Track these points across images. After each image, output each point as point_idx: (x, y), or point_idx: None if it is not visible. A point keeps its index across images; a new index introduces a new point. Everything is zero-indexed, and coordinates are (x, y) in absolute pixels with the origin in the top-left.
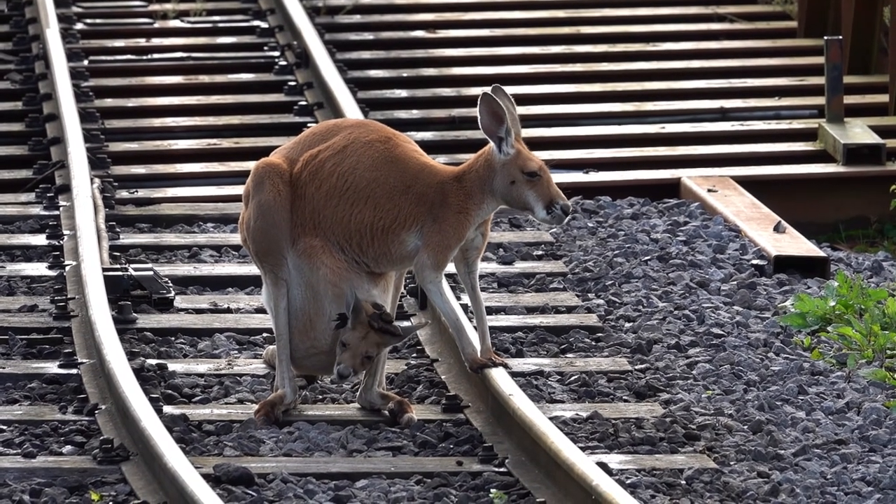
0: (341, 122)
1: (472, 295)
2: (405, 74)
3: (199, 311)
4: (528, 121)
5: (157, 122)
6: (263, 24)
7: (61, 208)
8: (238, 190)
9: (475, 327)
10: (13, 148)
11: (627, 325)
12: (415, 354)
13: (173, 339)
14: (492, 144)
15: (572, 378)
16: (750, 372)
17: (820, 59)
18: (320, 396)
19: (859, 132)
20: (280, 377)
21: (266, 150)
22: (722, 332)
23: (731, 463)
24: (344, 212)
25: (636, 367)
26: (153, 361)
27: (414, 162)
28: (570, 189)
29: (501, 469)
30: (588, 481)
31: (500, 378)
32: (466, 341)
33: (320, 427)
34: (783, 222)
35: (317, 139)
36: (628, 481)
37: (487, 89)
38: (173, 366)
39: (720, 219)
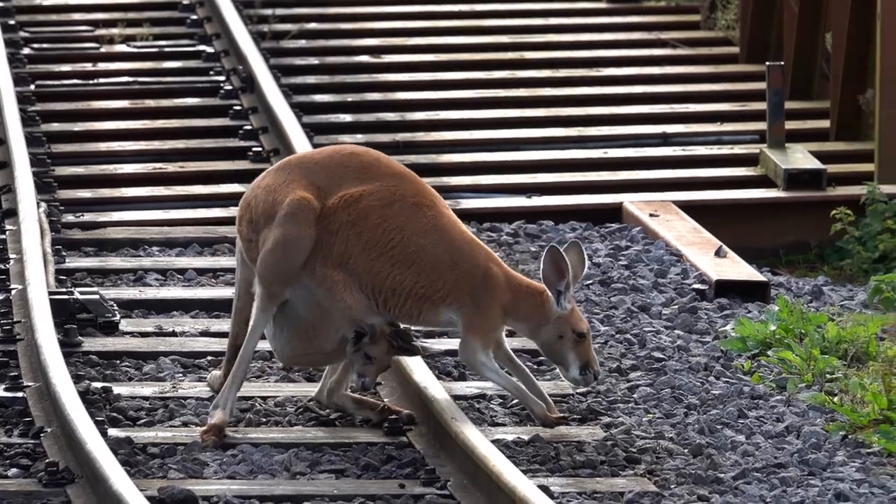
0: (375, 163)
1: (513, 366)
2: (350, 99)
3: (144, 335)
4: (472, 146)
5: (104, 146)
6: (209, 49)
7: (7, 232)
8: (183, 214)
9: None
10: None
11: None
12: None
13: (118, 362)
14: (549, 294)
15: (514, 402)
16: (690, 396)
17: (762, 85)
18: (264, 419)
19: (800, 157)
20: (225, 398)
21: (212, 175)
22: (663, 356)
23: (672, 486)
24: (382, 268)
25: (577, 391)
26: (98, 384)
27: (458, 235)
28: (513, 213)
29: (444, 492)
30: None
31: (442, 401)
32: (533, 403)
33: (264, 450)
34: (724, 247)
35: (349, 174)
36: None
37: (556, 244)
38: (118, 389)
39: (662, 243)
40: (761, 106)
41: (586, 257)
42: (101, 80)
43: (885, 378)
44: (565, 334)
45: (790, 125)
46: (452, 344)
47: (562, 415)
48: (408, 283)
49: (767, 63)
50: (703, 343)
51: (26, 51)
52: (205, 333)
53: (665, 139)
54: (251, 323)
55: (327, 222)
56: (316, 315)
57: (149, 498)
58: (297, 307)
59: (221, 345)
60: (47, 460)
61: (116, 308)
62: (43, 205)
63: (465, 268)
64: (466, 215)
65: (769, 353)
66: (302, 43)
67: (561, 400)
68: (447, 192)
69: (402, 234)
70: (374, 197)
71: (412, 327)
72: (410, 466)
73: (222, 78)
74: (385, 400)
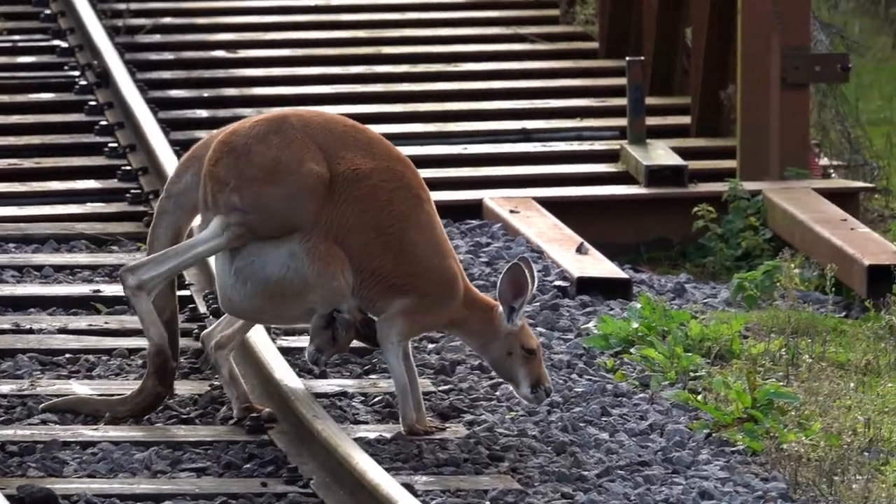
0: (378, 140)
1: (407, 364)
2: (206, 94)
3: (1, 332)
4: None
5: None
6: (63, 44)
7: None
8: (39, 210)
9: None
10: None
11: (431, 346)
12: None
13: None
14: (500, 309)
15: (376, 399)
16: (553, 393)
17: (622, 80)
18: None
19: (661, 154)
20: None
21: (68, 170)
22: None
23: (536, 484)
24: (374, 249)
25: (440, 389)
26: None
27: (443, 239)
28: None
29: (306, 490)
30: (393, 502)
31: (303, 399)
32: (409, 407)
33: (124, 448)
34: (585, 244)
35: (355, 146)
36: (433, 502)
37: (519, 261)
38: None
39: (522, 240)
40: (621, 102)
41: (536, 275)
42: None
43: (749, 376)
44: (515, 351)
45: (651, 121)
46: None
47: (429, 427)
48: (389, 270)
49: (627, 58)
50: (566, 340)
51: None
52: (63, 331)
53: (525, 135)
54: (209, 243)
55: (332, 192)
56: (293, 282)
57: (8, 496)
58: (271, 266)
59: (80, 342)
60: None
61: None
62: None
63: (440, 273)
64: None
65: (632, 350)
66: (157, 38)
67: (423, 397)
68: None
69: (403, 223)
70: (382, 178)
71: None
72: (273, 465)
73: (77, 73)
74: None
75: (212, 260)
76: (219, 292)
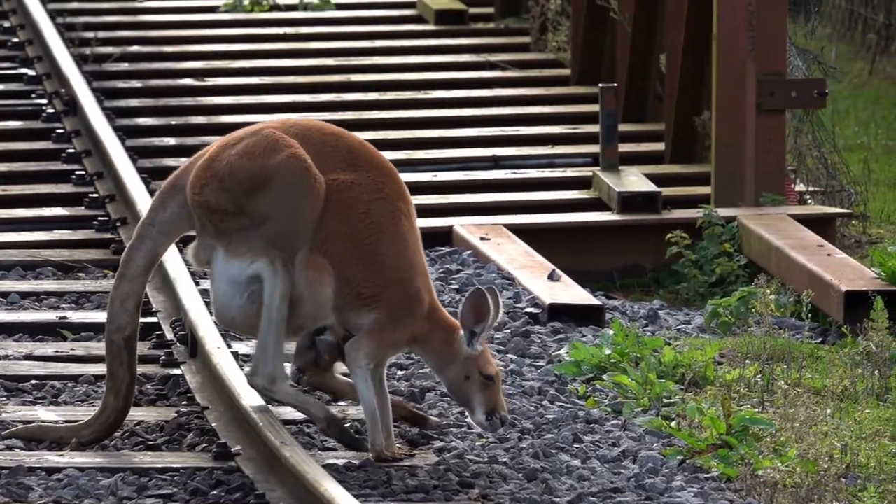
0: (359, 147)
1: (379, 389)
2: (173, 122)
3: None
4: None
5: None
6: (31, 72)
7: None
8: (6, 237)
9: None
10: None
11: (400, 373)
12: (185, 402)
13: None
14: (461, 334)
15: (345, 425)
16: (524, 420)
17: (594, 107)
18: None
19: (634, 180)
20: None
21: (35, 198)
22: None
23: None
24: (349, 258)
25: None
26: None
27: (416, 252)
28: None
29: None
30: None
31: (272, 425)
32: (377, 434)
33: (90, 474)
34: (557, 270)
35: (336, 155)
36: None
37: (482, 287)
38: None
39: (493, 267)
40: (594, 128)
41: (501, 303)
42: None
43: (724, 402)
44: (472, 375)
45: (624, 148)
46: None
47: (397, 454)
48: (359, 279)
49: (600, 85)
50: (537, 367)
51: None
52: (29, 357)
53: (495, 162)
54: (276, 289)
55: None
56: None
57: None
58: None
59: (46, 368)
60: None
61: None
62: None
63: (406, 285)
64: None
65: (604, 377)
66: (125, 66)
67: (393, 424)
68: None
69: (379, 235)
70: (363, 188)
71: None
72: (239, 491)
73: (45, 101)
74: (213, 424)
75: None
76: (220, 314)
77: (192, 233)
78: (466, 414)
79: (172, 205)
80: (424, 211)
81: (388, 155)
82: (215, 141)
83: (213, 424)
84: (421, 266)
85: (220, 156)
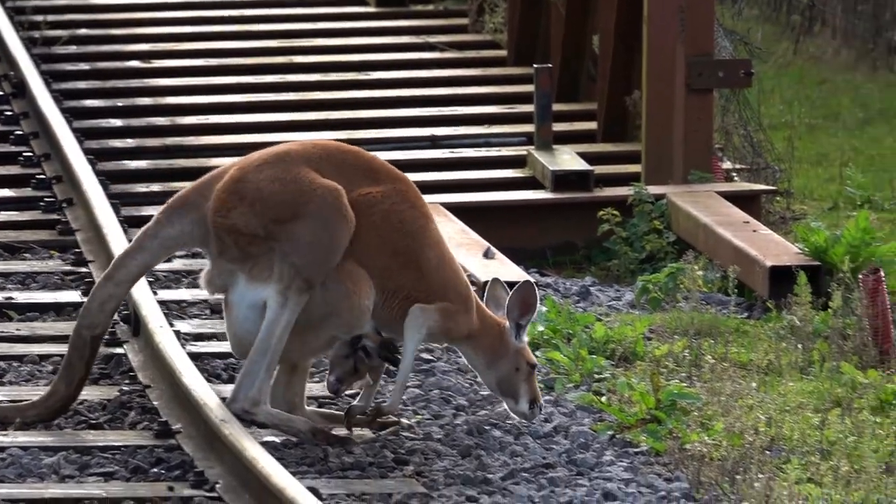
0: (375, 162)
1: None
2: (120, 104)
3: None
4: (242, 150)
5: None
6: None
7: None
8: None
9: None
10: None
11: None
12: (127, 381)
13: None
14: (507, 326)
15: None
16: (459, 397)
17: (530, 87)
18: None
19: (567, 159)
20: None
21: None
22: (431, 358)
23: (440, 487)
24: (393, 269)
25: (346, 393)
26: None
27: (450, 254)
28: None
29: (212, 494)
30: None
31: (212, 404)
32: (398, 399)
33: (32, 453)
34: (492, 248)
35: (358, 173)
36: None
37: (528, 278)
38: None
39: None
40: (529, 108)
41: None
42: None
43: (653, 378)
44: (521, 367)
45: (558, 127)
46: (222, 347)
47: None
48: (408, 287)
49: (535, 65)
50: None
51: None
52: None
53: (433, 142)
54: (281, 317)
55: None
56: (318, 312)
57: None
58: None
59: None
60: None
61: None
62: None
63: (455, 284)
64: None
65: (537, 353)
66: (73, 49)
67: (330, 401)
68: None
69: (417, 242)
70: (392, 200)
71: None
72: (179, 469)
73: None
74: (155, 403)
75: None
76: (239, 341)
77: (196, 250)
78: (504, 405)
79: (183, 222)
80: None
81: (330, 135)
82: (231, 162)
83: (155, 403)
84: (457, 264)
85: (245, 178)
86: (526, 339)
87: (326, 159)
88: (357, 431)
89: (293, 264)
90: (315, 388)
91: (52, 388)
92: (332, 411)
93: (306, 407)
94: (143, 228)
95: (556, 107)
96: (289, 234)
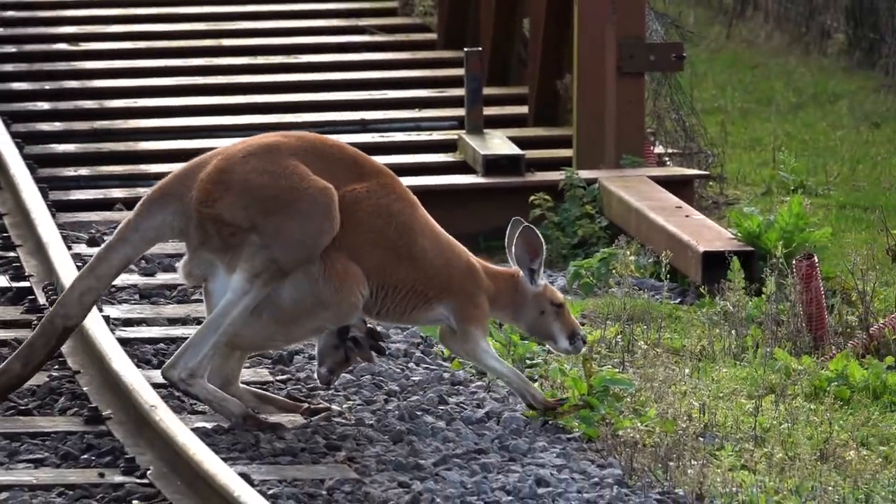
0: (359, 156)
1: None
2: (48, 87)
3: None
4: (170, 133)
5: None
6: None
7: None
8: None
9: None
10: None
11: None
12: (56, 366)
13: None
14: (521, 273)
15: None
16: (391, 382)
17: (460, 71)
18: None
19: (499, 143)
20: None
21: None
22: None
23: (372, 473)
24: (388, 263)
25: (277, 378)
26: None
27: (442, 234)
28: None
29: (143, 480)
30: (230, 492)
31: (142, 389)
32: (533, 390)
33: None
34: None
35: (343, 167)
36: (270, 492)
37: (523, 221)
38: None
39: None
40: (460, 92)
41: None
42: None
43: (586, 363)
44: (545, 309)
45: (488, 111)
46: (151, 333)
47: (561, 398)
48: (409, 279)
49: (465, 49)
50: (403, 329)
51: None
52: None
53: (363, 126)
54: (241, 301)
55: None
56: (308, 302)
57: None
58: (287, 292)
59: None
60: None
61: None
62: None
63: (455, 265)
64: None
65: None
66: (0, 31)
67: (260, 387)
68: (145, 179)
69: (409, 233)
70: (379, 194)
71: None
72: (110, 455)
73: None
74: (85, 388)
75: (55, 251)
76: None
77: (175, 241)
78: (550, 348)
79: (164, 213)
80: None
81: (259, 119)
82: (212, 151)
83: (85, 388)
84: (452, 241)
85: (231, 169)
86: (542, 281)
87: (313, 153)
88: (288, 417)
89: (272, 256)
90: (248, 372)
91: (5, 366)
92: (265, 392)
93: (240, 384)
94: (124, 220)
95: (487, 90)
96: (274, 227)
